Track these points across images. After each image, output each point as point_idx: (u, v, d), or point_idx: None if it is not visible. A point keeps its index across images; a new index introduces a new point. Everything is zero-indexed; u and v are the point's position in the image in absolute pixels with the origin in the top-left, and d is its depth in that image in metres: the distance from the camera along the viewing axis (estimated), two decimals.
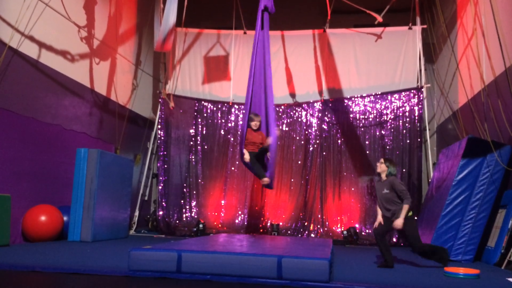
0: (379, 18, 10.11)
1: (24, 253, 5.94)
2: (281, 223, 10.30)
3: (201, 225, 9.98)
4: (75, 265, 5.00)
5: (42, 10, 7.55)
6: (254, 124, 7.57)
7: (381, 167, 6.10)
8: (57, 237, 7.64)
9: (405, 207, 5.70)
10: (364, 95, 10.60)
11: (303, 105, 10.92)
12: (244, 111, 7.69)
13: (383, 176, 6.08)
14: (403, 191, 5.77)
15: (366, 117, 10.57)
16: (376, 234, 5.97)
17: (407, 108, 10.32)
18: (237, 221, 10.57)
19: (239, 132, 11.02)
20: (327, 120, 10.76)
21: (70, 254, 6.05)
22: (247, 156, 7.32)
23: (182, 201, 10.91)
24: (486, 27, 7.80)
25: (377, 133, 10.45)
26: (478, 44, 7.97)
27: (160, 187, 10.93)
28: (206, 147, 11.15)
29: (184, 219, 10.77)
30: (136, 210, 10.84)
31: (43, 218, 7.25)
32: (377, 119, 10.49)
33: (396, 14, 10.72)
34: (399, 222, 5.67)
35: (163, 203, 10.80)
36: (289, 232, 10.17)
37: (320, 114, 10.78)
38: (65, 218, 7.83)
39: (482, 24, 7.93)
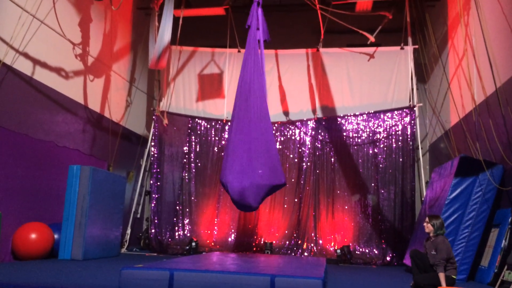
0: (372, 38, 10.27)
1: (14, 271, 5.84)
2: (274, 242, 10.24)
3: (193, 243, 9.89)
4: (65, 284, 4.92)
5: (37, 27, 7.58)
6: None
7: (428, 227, 5.62)
8: (47, 255, 7.53)
9: (441, 275, 5.30)
10: (357, 113, 10.68)
11: (297, 123, 10.97)
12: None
13: (431, 235, 5.61)
14: (440, 261, 5.29)
15: (359, 135, 10.62)
16: (411, 256, 5.74)
17: (400, 127, 10.40)
18: (230, 239, 10.49)
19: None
20: (321, 138, 10.80)
21: (60, 272, 5.95)
22: None
23: (174, 219, 10.83)
24: (476, 48, 7.92)
25: (370, 152, 10.50)
26: (469, 65, 8.09)
27: (152, 205, 10.86)
28: (199, 164, 11.13)
29: (177, 237, 10.67)
30: (128, 228, 10.73)
31: (33, 236, 7.15)
32: (370, 138, 10.55)
33: (388, 34, 10.87)
34: None
35: (156, 221, 10.72)
36: (282, 250, 10.10)
37: (313, 132, 10.82)
38: (56, 236, 7.72)
39: (473, 45, 8.06)
